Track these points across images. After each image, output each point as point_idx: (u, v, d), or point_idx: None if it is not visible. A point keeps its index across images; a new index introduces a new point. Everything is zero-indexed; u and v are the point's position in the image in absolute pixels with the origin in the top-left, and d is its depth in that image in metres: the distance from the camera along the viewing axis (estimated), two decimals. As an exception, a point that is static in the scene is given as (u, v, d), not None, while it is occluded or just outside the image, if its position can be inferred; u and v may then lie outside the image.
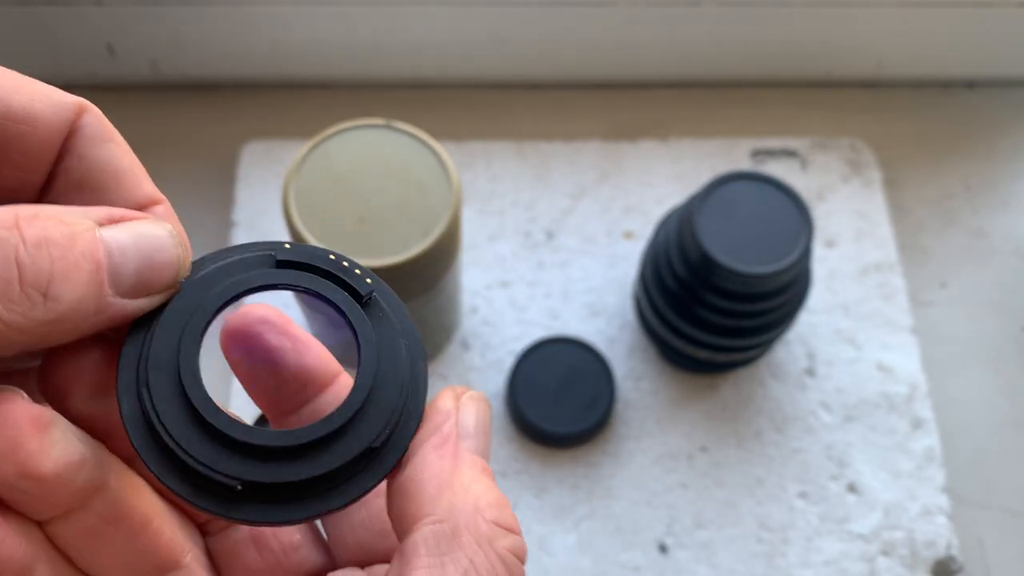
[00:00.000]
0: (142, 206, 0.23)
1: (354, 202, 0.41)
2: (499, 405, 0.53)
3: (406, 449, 0.22)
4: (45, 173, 0.22)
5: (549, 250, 0.57)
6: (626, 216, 0.58)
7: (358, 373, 0.22)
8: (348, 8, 0.57)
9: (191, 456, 0.20)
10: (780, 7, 0.58)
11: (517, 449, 0.52)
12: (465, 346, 0.54)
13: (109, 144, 0.23)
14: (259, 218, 0.57)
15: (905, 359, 0.54)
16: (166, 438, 0.20)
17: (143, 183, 0.23)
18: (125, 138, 0.26)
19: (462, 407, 0.24)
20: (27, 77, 0.23)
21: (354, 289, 0.23)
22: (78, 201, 0.22)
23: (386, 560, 0.25)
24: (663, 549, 0.50)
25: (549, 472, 0.51)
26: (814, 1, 0.58)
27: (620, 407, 0.53)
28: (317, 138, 0.42)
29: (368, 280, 0.23)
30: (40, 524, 0.21)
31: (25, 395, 0.20)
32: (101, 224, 0.20)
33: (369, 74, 0.62)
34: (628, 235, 0.57)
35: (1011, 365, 0.56)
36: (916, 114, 0.64)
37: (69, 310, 0.19)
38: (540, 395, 0.51)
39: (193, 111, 0.62)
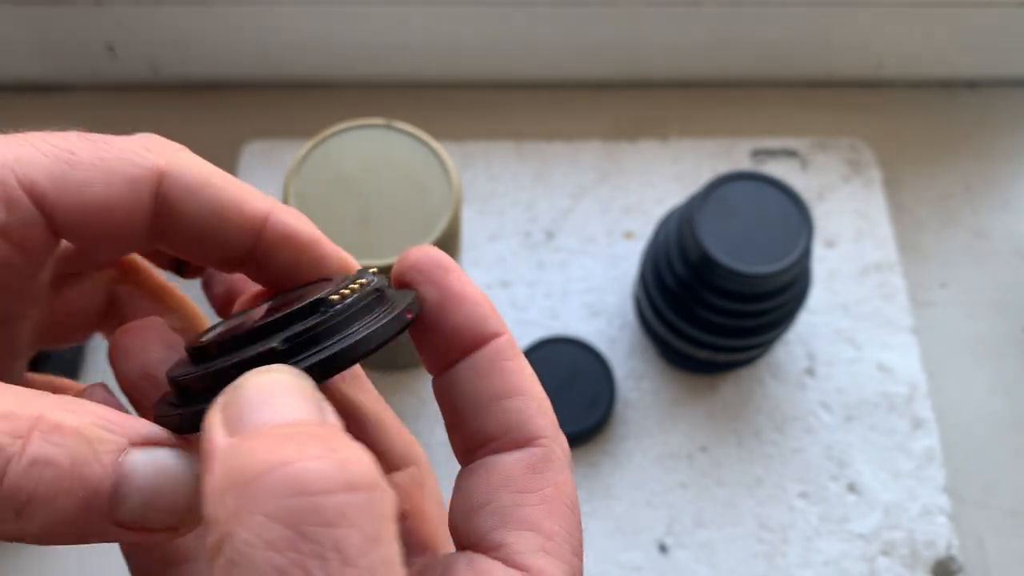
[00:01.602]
0: (258, 224, 0.23)
1: (354, 202, 0.41)
2: (499, 405, 0.53)
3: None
4: (144, 239, 0.23)
5: (549, 250, 0.57)
6: (626, 216, 0.58)
7: None
8: (348, 8, 0.57)
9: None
10: (780, 7, 0.58)
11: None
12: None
13: (199, 193, 0.23)
14: (259, 218, 0.57)
15: (905, 359, 0.54)
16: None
17: (244, 209, 0.23)
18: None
19: None
20: (97, 150, 0.23)
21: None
22: (199, 250, 0.23)
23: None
24: (663, 549, 0.50)
25: (549, 472, 0.51)
26: (814, 1, 0.58)
27: (620, 407, 0.52)
28: (317, 138, 0.42)
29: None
30: None
31: None
32: (132, 444, 0.19)
33: (369, 74, 0.62)
34: (628, 235, 0.57)
35: (1011, 365, 0.56)
36: (916, 114, 0.64)
37: (44, 530, 0.18)
38: (540, 395, 0.51)
39: (193, 111, 0.62)
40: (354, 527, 0.16)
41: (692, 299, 0.47)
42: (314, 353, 0.20)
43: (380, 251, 0.40)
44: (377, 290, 0.22)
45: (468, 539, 0.22)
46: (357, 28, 0.58)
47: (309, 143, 0.42)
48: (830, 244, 0.57)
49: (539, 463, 0.22)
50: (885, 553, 0.50)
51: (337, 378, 0.26)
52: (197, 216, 0.23)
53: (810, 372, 0.54)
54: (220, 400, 0.18)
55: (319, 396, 0.19)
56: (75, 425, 0.18)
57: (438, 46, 0.60)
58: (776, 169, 0.59)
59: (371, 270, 0.23)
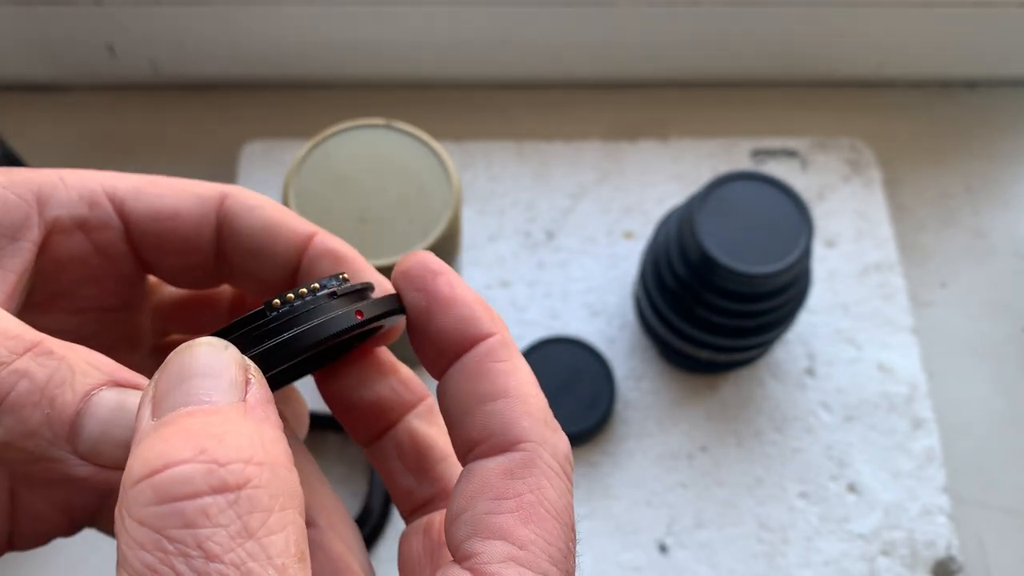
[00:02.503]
0: (305, 240, 0.26)
1: (354, 202, 0.41)
2: (499, 405, 0.53)
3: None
4: (209, 255, 0.26)
5: (549, 250, 0.57)
6: (626, 216, 0.58)
7: None
8: (348, 8, 0.57)
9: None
10: (781, 7, 0.58)
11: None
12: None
13: (256, 211, 0.26)
14: (259, 218, 0.57)
15: (905, 359, 0.54)
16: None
17: (294, 228, 0.26)
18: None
19: None
20: (177, 180, 0.26)
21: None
22: (252, 265, 0.26)
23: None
24: (663, 549, 0.50)
25: (549, 472, 0.51)
26: (814, 1, 0.58)
27: (620, 407, 0.52)
28: (317, 138, 0.42)
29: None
30: None
31: None
32: (110, 384, 0.21)
33: (369, 74, 0.62)
34: (628, 235, 0.57)
35: (1011, 365, 0.56)
36: (916, 114, 0.64)
37: (6, 436, 0.20)
38: (540, 395, 0.51)
39: (193, 111, 0.62)
40: (219, 526, 0.17)
41: (692, 299, 0.47)
42: (252, 351, 0.21)
43: (380, 251, 0.40)
44: (333, 294, 0.22)
45: (451, 549, 0.21)
46: (357, 28, 0.58)
47: (309, 143, 0.42)
48: (830, 244, 0.57)
49: (517, 468, 0.21)
50: (885, 553, 0.50)
51: (411, 413, 0.27)
52: (253, 230, 0.26)
53: (810, 372, 0.54)
54: (154, 376, 0.20)
55: (243, 371, 0.20)
56: (65, 355, 0.20)
57: (438, 46, 0.60)
58: (776, 169, 0.59)
59: (343, 275, 0.24)
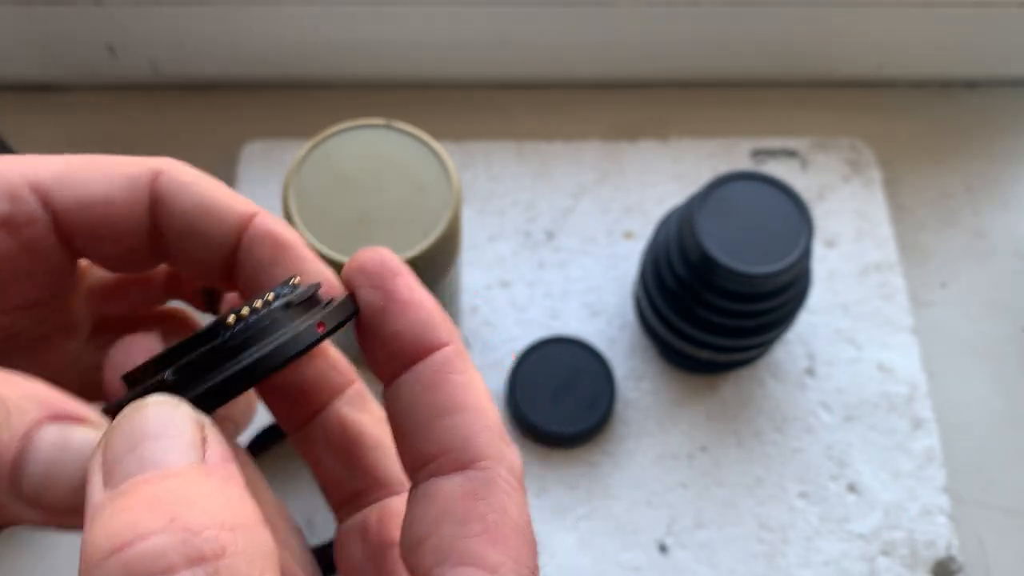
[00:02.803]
0: (242, 226, 0.24)
1: (354, 202, 0.41)
2: (499, 405, 0.53)
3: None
4: (145, 238, 0.24)
5: (549, 250, 0.57)
6: (626, 216, 0.58)
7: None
8: (348, 8, 0.57)
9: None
10: (781, 7, 0.58)
11: (517, 449, 0.52)
12: (465, 346, 0.54)
13: (190, 188, 0.24)
14: (259, 218, 0.57)
15: (905, 359, 0.54)
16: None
17: (232, 207, 0.24)
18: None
19: None
20: (102, 158, 0.24)
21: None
22: (188, 246, 0.24)
23: None
24: (663, 549, 0.50)
25: (549, 472, 0.51)
26: (814, 1, 0.58)
27: (620, 407, 0.52)
28: (317, 138, 0.42)
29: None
30: None
31: None
32: (50, 419, 0.19)
33: (369, 74, 0.62)
34: (628, 235, 0.57)
35: (1011, 365, 0.56)
36: (916, 114, 0.64)
37: None
38: (540, 395, 0.51)
39: (193, 111, 0.62)
40: None
41: (692, 299, 0.47)
42: (205, 381, 0.19)
43: (380, 251, 0.40)
44: (289, 304, 0.21)
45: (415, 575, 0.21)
46: (357, 28, 0.58)
47: (309, 143, 0.42)
48: (830, 244, 0.57)
49: (480, 488, 0.21)
50: (885, 553, 0.50)
51: (340, 399, 0.26)
52: (186, 210, 0.24)
53: (810, 372, 0.54)
54: (102, 439, 0.18)
55: (198, 429, 0.18)
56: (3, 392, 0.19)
57: (438, 46, 0.60)
58: (776, 169, 0.59)
59: (294, 280, 0.22)
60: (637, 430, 0.52)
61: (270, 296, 0.21)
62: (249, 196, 0.59)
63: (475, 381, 0.22)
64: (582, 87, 0.64)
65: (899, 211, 0.60)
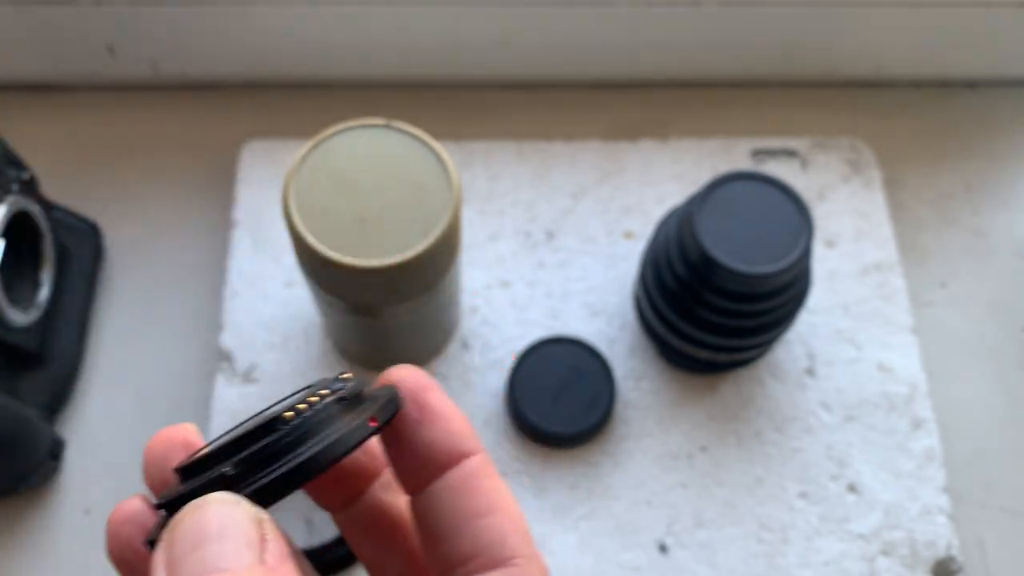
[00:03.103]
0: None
1: (354, 202, 0.41)
2: (499, 405, 0.53)
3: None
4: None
5: (549, 250, 0.57)
6: (626, 216, 0.58)
7: None
8: (348, 8, 0.57)
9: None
10: (780, 7, 0.58)
11: (517, 449, 0.52)
12: (465, 346, 0.54)
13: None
14: (259, 218, 0.57)
15: (905, 359, 0.54)
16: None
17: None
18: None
19: None
20: None
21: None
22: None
23: None
24: (663, 549, 0.50)
25: (549, 472, 0.51)
26: (814, 1, 0.58)
27: (620, 407, 0.52)
28: (317, 138, 0.42)
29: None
30: None
31: None
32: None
33: (369, 74, 0.62)
34: (628, 235, 0.57)
35: (1011, 365, 0.56)
36: (916, 114, 0.64)
37: None
38: (540, 395, 0.51)
39: (193, 111, 0.62)
40: None
41: (692, 299, 0.47)
42: (265, 475, 0.20)
43: (380, 251, 0.40)
44: (342, 399, 0.21)
45: None
46: (357, 28, 0.58)
47: (309, 143, 0.42)
48: (830, 244, 0.57)
49: None
50: (885, 553, 0.50)
51: (376, 483, 0.27)
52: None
53: (810, 372, 0.54)
54: (163, 539, 0.19)
55: (258, 527, 0.19)
56: None
57: (438, 46, 0.60)
58: (776, 169, 0.59)
59: (344, 375, 0.23)
60: (637, 430, 0.52)
61: (324, 391, 0.21)
62: (249, 196, 0.59)
63: (503, 487, 0.24)
64: (582, 87, 0.64)
65: (899, 211, 0.60)
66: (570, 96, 0.63)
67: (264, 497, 0.19)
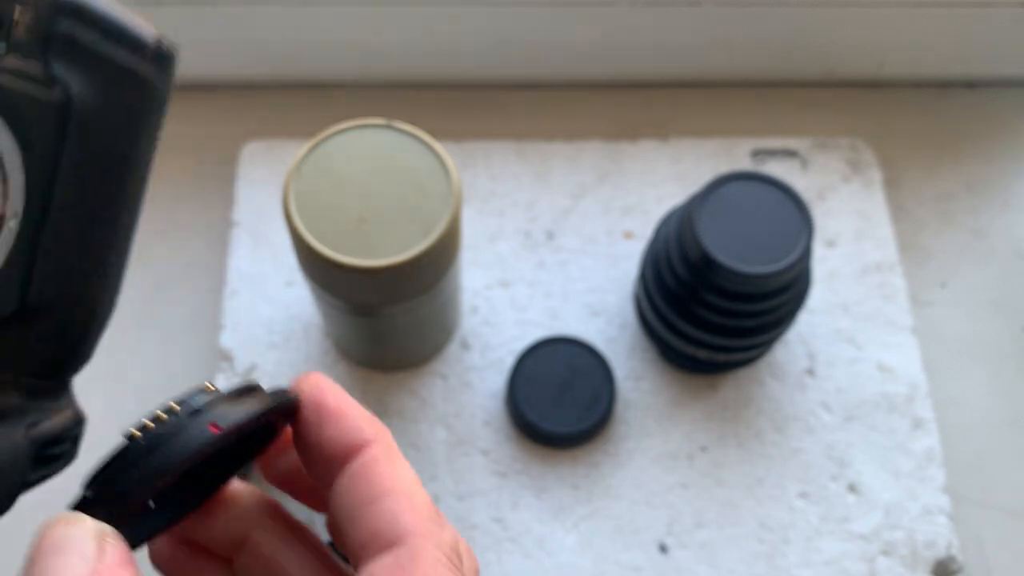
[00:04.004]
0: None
1: (354, 202, 0.41)
2: (499, 405, 0.53)
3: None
4: None
5: (549, 250, 0.57)
6: (626, 216, 0.58)
7: None
8: (348, 8, 0.57)
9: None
10: (780, 7, 0.58)
11: (517, 449, 0.52)
12: (465, 346, 0.54)
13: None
14: (259, 218, 0.57)
15: (905, 359, 0.54)
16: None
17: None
18: None
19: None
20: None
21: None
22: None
23: None
24: (663, 549, 0.50)
25: (549, 472, 0.51)
26: (815, 1, 0.58)
27: (620, 407, 0.52)
28: (317, 138, 0.42)
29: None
30: None
31: None
32: None
33: (369, 74, 0.62)
34: (628, 235, 0.57)
35: (1011, 365, 0.56)
36: (916, 114, 0.64)
37: None
38: (540, 395, 0.51)
39: (193, 111, 0.62)
40: None
41: (692, 299, 0.47)
42: (113, 493, 0.21)
43: (380, 251, 0.40)
44: (196, 411, 0.22)
45: None
46: (357, 28, 0.58)
47: (309, 143, 0.42)
48: (830, 244, 0.57)
49: (406, 563, 0.22)
50: (885, 553, 0.50)
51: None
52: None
53: (810, 372, 0.54)
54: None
55: (97, 541, 0.20)
56: None
57: (438, 46, 0.60)
58: (776, 169, 0.59)
59: (206, 385, 0.23)
60: (637, 430, 0.52)
61: (174, 404, 0.22)
62: (249, 196, 0.59)
63: (401, 469, 0.24)
64: (582, 87, 0.64)
65: (899, 211, 0.60)
66: (570, 96, 0.63)
67: (117, 511, 0.21)
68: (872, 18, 0.59)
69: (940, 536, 0.50)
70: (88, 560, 0.20)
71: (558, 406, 0.51)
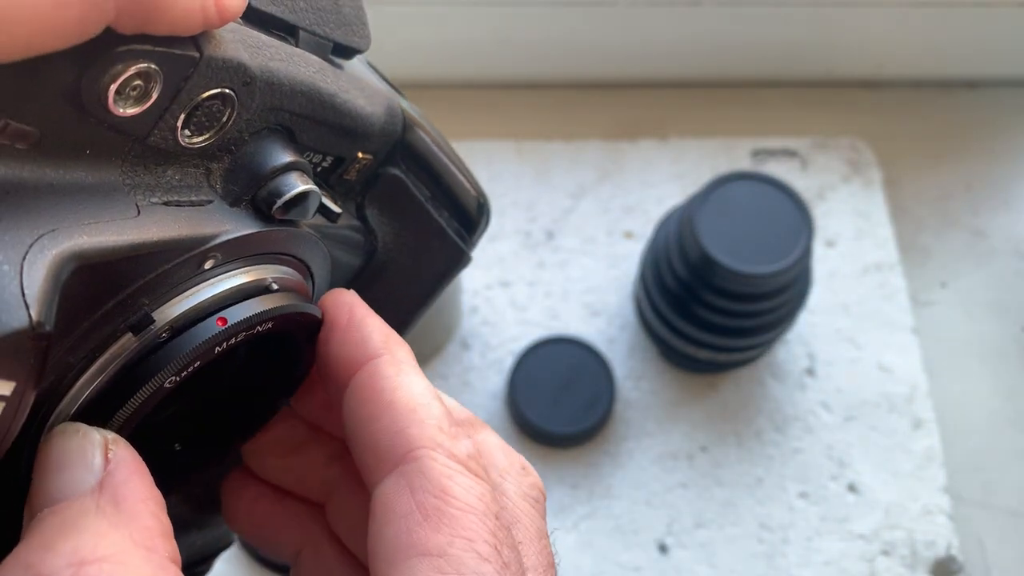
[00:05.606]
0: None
1: (354, 202, 0.41)
2: (499, 405, 0.53)
3: None
4: None
5: (549, 250, 0.57)
6: (626, 216, 0.58)
7: None
8: (348, 8, 0.57)
9: None
10: (780, 7, 0.58)
11: (517, 449, 0.51)
12: (465, 346, 0.54)
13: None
14: (259, 218, 0.57)
15: (905, 359, 0.54)
16: None
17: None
18: None
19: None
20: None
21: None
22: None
23: None
24: (663, 549, 0.50)
25: (549, 472, 0.51)
26: (814, 1, 0.58)
27: (620, 407, 0.52)
28: (317, 138, 0.42)
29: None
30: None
31: None
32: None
33: (369, 74, 0.62)
34: (628, 235, 0.57)
35: (1011, 365, 0.56)
36: (916, 114, 0.64)
37: None
38: (540, 395, 0.51)
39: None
40: None
41: (692, 299, 0.47)
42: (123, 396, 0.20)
43: (380, 251, 0.40)
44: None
45: None
46: (357, 28, 0.58)
47: (309, 143, 0.42)
48: (830, 244, 0.57)
49: (415, 479, 0.20)
50: (885, 553, 0.50)
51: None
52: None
53: (810, 372, 0.54)
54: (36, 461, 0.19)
55: (99, 452, 0.18)
56: None
57: (438, 46, 0.60)
58: (776, 169, 0.59)
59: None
60: (637, 430, 0.52)
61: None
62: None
63: (405, 383, 0.22)
64: (582, 87, 0.63)
65: (899, 211, 0.60)
66: (570, 96, 0.63)
67: (111, 406, 0.19)
68: (872, 18, 0.59)
69: (940, 536, 0.50)
70: (95, 472, 0.18)
71: (558, 406, 0.51)
